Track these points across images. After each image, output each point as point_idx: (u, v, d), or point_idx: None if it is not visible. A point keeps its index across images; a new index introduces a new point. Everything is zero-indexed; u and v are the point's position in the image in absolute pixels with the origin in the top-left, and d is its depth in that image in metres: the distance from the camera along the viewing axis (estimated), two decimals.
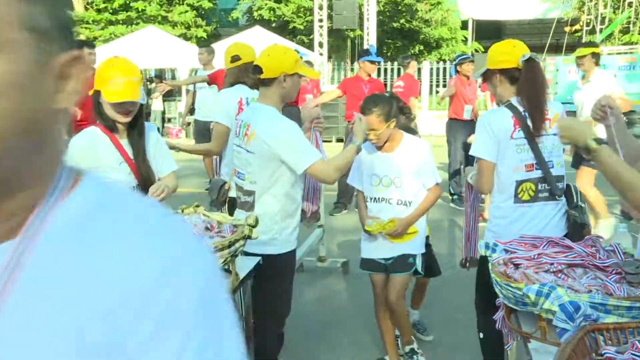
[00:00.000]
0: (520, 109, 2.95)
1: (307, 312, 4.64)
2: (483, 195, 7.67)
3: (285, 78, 3.05)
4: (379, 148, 3.50)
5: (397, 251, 3.53)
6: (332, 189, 8.45)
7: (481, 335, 3.37)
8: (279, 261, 3.14)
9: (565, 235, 2.86)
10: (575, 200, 3.03)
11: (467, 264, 3.50)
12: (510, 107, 2.97)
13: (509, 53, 2.97)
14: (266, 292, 3.16)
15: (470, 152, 3.10)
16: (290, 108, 8.51)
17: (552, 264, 2.32)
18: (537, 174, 2.96)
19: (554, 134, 2.93)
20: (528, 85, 2.93)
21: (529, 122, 2.93)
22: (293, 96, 3.24)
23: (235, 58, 4.01)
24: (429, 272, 4.06)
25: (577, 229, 2.91)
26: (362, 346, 4.12)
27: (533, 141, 2.93)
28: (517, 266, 2.36)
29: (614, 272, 2.26)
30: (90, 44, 7.20)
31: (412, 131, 3.99)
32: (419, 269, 3.58)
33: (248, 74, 3.97)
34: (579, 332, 1.77)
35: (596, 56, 6.72)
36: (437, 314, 4.55)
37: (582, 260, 2.32)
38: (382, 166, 3.50)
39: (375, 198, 3.55)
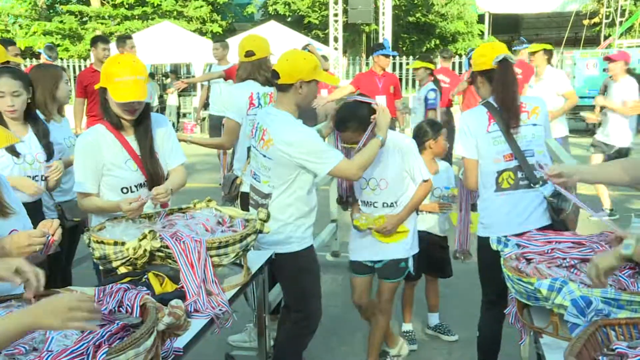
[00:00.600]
0: (496, 105, 3.13)
1: (322, 307, 4.63)
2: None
3: (302, 84, 3.05)
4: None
5: (388, 255, 3.45)
6: None
7: (478, 334, 3.40)
8: (300, 258, 3.18)
9: (550, 225, 3.05)
10: (555, 187, 3.04)
11: (461, 256, 3.68)
12: (486, 104, 3.17)
13: (487, 55, 3.15)
14: (295, 291, 3.23)
15: (455, 152, 3.32)
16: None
17: (564, 258, 2.30)
18: (515, 162, 3.11)
19: (534, 124, 3.16)
20: (499, 84, 3.11)
21: (504, 116, 3.12)
22: (310, 102, 3.24)
23: (249, 53, 3.99)
24: (441, 273, 4.07)
25: (553, 214, 3.07)
26: None
27: (508, 133, 3.10)
28: (529, 261, 2.35)
29: (627, 267, 2.23)
30: (104, 39, 7.23)
31: (436, 125, 4.05)
32: (411, 270, 3.51)
33: (261, 70, 3.97)
34: (591, 327, 1.75)
35: (548, 53, 6.84)
36: (452, 308, 4.53)
37: (596, 255, 2.29)
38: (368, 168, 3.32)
39: (364, 202, 3.49)
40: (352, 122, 3.25)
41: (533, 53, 6.90)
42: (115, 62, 2.84)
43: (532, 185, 3.11)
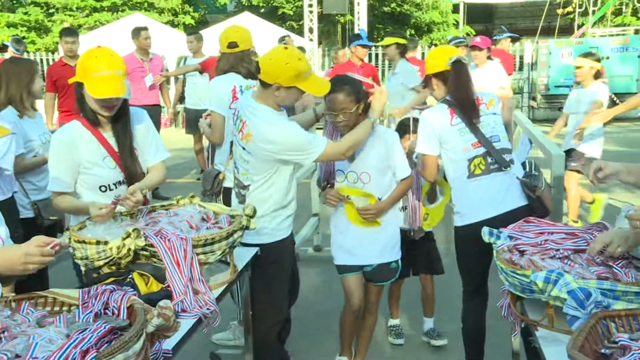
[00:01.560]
0: (454, 101, 3.27)
1: (305, 302, 4.59)
2: None
3: (280, 88, 2.90)
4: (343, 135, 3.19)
5: (377, 259, 3.36)
6: None
7: (462, 325, 3.40)
8: (271, 250, 3.10)
9: (528, 206, 3.17)
10: (528, 169, 3.31)
11: (413, 234, 3.76)
12: (445, 101, 3.29)
13: (439, 58, 3.29)
14: (263, 281, 3.11)
15: (416, 150, 3.37)
16: None
17: (558, 250, 2.28)
18: (483, 149, 3.22)
19: (493, 113, 3.33)
20: (455, 84, 3.25)
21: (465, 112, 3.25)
22: (288, 105, 3.13)
23: (233, 44, 3.88)
24: (432, 270, 3.99)
25: (529, 192, 3.19)
26: None
27: (471, 123, 3.22)
28: (522, 253, 2.32)
29: (621, 258, 2.22)
30: (70, 32, 7.06)
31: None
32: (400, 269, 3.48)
33: (243, 62, 3.88)
34: (591, 320, 1.73)
35: (401, 47, 6.79)
36: (442, 303, 4.51)
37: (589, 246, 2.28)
38: (346, 160, 3.22)
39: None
40: (347, 85, 3.12)
41: (386, 46, 6.82)
42: (92, 56, 2.73)
43: (503, 168, 3.22)
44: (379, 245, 3.34)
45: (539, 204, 3.18)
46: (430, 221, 3.84)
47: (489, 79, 6.63)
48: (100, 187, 2.86)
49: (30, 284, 2.79)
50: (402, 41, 6.96)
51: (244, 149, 3.04)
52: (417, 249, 3.84)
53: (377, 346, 3.94)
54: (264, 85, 2.96)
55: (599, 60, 5.92)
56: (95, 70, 2.68)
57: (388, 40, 6.98)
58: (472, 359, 3.40)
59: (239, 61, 3.89)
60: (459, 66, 3.25)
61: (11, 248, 2.10)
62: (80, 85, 2.76)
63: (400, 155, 3.29)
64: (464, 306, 3.43)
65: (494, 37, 9.48)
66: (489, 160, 3.21)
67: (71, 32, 7.10)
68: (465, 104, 3.25)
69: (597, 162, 2.34)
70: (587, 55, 6.02)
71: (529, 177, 3.24)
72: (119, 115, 2.86)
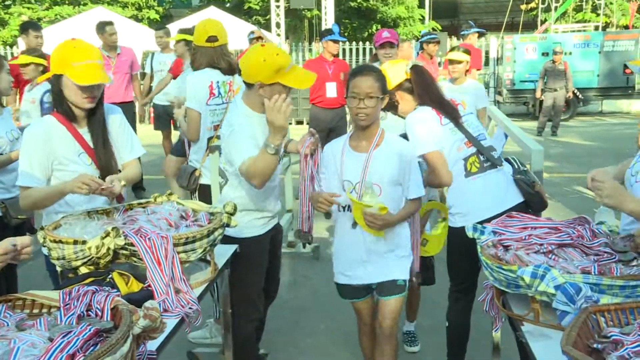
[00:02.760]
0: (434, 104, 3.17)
1: (282, 299, 4.55)
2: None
3: (263, 86, 2.83)
4: (356, 144, 2.88)
5: (383, 276, 2.91)
6: (295, 172, 8.36)
7: (447, 323, 3.38)
8: (246, 244, 3.05)
9: (525, 202, 3.11)
10: (517, 166, 3.25)
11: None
12: (422, 104, 3.18)
13: (392, 69, 3.18)
14: (236, 276, 3.07)
15: (418, 153, 3.06)
16: None
17: (542, 244, 2.29)
18: (474, 148, 3.15)
19: (470, 113, 3.28)
20: (423, 87, 3.17)
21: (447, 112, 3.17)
22: None
23: (213, 38, 3.80)
24: (424, 280, 3.75)
25: (528, 188, 3.12)
26: (340, 331, 4.07)
27: (458, 123, 3.15)
28: (506, 248, 2.33)
29: (604, 251, 2.25)
30: (35, 25, 6.89)
31: None
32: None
33: (224, 56, 3.81)
34: (582, 315, 1.74)
35: (189, 44, 6.28)
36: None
37: (572, 240, 2.30)
38: (356, 169, 2.85)
39: (347, 207, 2.89)
40: (376, 71, 2.85)
41: (177, 42, 6.49)
42: (71, 47, 2.66)
43: (495, 166, 3.16)
44: (386, 262, 2.92)
45: (538, 199, 3.12)
46: (429, 248, 3.42)
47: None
48: None
49: None
50: (189, 38, 5.67)
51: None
52: None
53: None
54: (248, 86, 2.92)
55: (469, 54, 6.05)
56: (77, 59, 2.62)
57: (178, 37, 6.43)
58: (454, 355, 3.39)
59: (220, 55, 3.82)
60: (419, 69, 3.19)
61: None
62: (57, 78, 2.67)
63: (415, 174, 2.90)
64: (451, 305, 3.36)
65: (462, 32, 9.53)
66: (481, 158, 3.14)
67: (37, 26, 6.92)
68: (443, 103, 3.17)
69: (592, 171, 2.32)
70: (463, 50, 6.09)
71: (521, 174, 3.18)
72: (94, 110, 2.79)
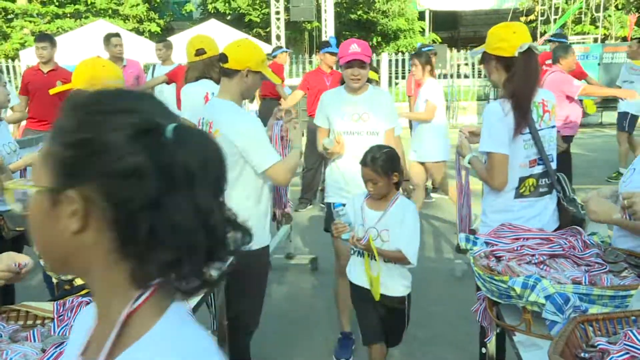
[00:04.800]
0: (512, 99, 2.80)
1: (278, 310, 4.57)
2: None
3: (249, 73, 2.99)
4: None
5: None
6: (295, 185, 8.38)
7: (483, 350, 3.23)
8: (250, 256, 3.05)
9: (558, 227, 2.87)
10: (568, 193, 2.93)
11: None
12: (507, 98, 2.82)
13: (507, 40, 2.80)
14: (240, 288, 3.07)
15: (481, 149, 2.90)
16: (271, 102, 8.38)
17: (533, 255, 2.30)
18: (539, 169, 2.87)
19: (552, 127, 2.92)
20: (520, 78, 2.78)
21: (533, 116, 2.82)
22: (252, 94, 3.22)
23: (200, 51, 3.88)
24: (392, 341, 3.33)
25: (575, 223, 2.71)
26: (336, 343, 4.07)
27: (537, 136, 2.82)
28: (498, 259, 2.34)
29: (595, 262, 2.26)
30: (42, 37, 6.97)
31: None
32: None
33: (214, 68, 3.86)
34: (570, 324, 1.75)
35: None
36: (413, 308, 4.53)
37: (564, 251, 2.31)
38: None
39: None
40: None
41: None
42: (100, 66, 2.81)
43: (551, 191, 2.94)
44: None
45: (580, 224, 2.74)
46: (374, 290, 3.11)
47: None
48: None
49: None
50: None
51: None
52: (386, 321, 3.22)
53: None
54: (230, 74, 3.00)
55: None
56: (107, 78, 2.76)
57: None
58: None
59: (210, 66, 3.89)
60: (529, 56, 2.79)
61: None
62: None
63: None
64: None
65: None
66: (541, 182, 2.88)
67: (42, 37, 6.99)
68: (522, 106, 2.79)
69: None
70: (419, 54, 6.31)
71: (571, 203, 2.89)
72: None
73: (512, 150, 2.81)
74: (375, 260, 3.06)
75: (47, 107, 6.17)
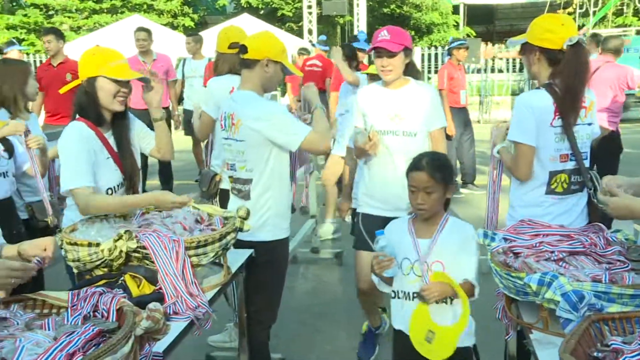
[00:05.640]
0: (560, 94, 2.70)
1: (302, 304, 4.58)
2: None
3: (269, 63, 3.00)
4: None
5: None
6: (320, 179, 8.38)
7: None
8: (270, 250, 3.07)
9: (588, 223, 2.76)
10: (600, 191, 2.65)
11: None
12: (551, 91, 2.72)
13: (555, 32, 2.70)
14: (257, 282, 3.09)
15: (509, 137, 2.83)
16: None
17: (552, 252, 2.26)
18: (571, 165, 2.77)
19: (589, 124, 2.82)
20: (570, 72, 2.68)
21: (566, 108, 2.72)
22: (274, 85, 3.17)
23: (234, 45, 3.85)
24: None
25: (605, 222, 2.56)
26: (359, 338, 4.05)
27: (570, 130, 2.72)
28: (516, 255, 2.30)
29: (617, 260, 2.20)
30: (47, 30, 7.10)
31: None
32: None
33: None
34: (584, 323, 1.71)
35: None
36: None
37: (585, 248, 2.26)
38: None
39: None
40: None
41: None
42: (102, 50, 2.83)
43: (583, 189, 2.82)
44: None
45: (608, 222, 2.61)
46: (436, 347, 2.45)
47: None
48: (107, 190, 2.82)
49: (25, 285, 2.79)
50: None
51: (237, 141, 3.02)
52: None
53: None
54: (251, 65, 3.02)
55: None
56: (112, 59, 2.76)
57: None
58: None
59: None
60: (579, 50, 2.69)
61: None
62: (91, 83, 2.74)
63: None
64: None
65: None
66: (573, 178, 2.78)
67: (46, 31, 7.10)
68: (571, 100, 2.69)
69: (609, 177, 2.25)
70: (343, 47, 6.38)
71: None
72: (123, 115, 2.88)
73: (542, 142, 2.73)
74: (446, 302, 2.47)
75: (59, 101, 6.26)
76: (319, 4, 17.94)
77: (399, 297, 2.60)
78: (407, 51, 3.32)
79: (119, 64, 2.75)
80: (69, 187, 2.66)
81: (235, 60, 3.86)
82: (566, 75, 2.68)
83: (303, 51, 10.95)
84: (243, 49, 3.01)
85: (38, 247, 2.22)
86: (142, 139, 3.05)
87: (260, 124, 2.93)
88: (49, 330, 1.81)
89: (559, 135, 2.73)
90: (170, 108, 8.03)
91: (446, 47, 9.15)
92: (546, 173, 2.77)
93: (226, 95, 3.79)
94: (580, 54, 2.71)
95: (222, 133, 3.17)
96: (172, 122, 8.13)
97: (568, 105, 2.69)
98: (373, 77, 4.22)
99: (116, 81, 2.73)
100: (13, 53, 8.15)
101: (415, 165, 2.56)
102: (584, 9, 19.78)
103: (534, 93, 2.81)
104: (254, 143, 2.98)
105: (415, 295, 2.51)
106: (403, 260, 2.56)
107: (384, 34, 3.28)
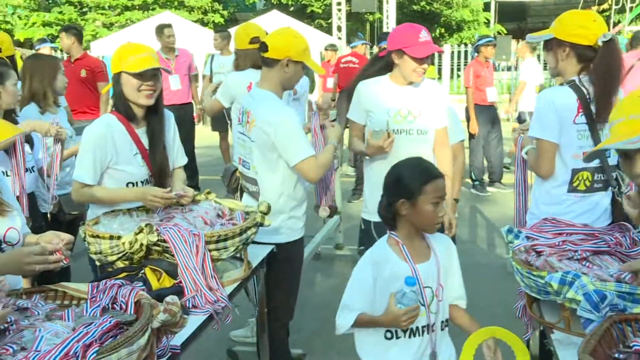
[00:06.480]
0: (584, 90, 2.64)
1: (324, 300, 4.57)
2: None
3: (289, 63, 2.95)
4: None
5: None
6: (350, 176, 8.36)
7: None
8: (285, 250, 3.07)
9: (611, 223, 2.68)
10: (624, 190, 2.69)
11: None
12: (575, 87, 2.66)
13: (587, 28, 2.63)
14: (275, 281, 3.10)
15: (530, 134, 2.79)
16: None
17: (575, 251, 2.21)
18: (595, 163, 2.68)
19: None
20: (604, 69, 2.60)
21: (592, 107, 2.64)
22: (293, 84, 3.13)
23: (255, 40, 3.86)
24: None
25: (629, 221, 2.44)
26: None
27: (594, 128, 2.64)
28: (539, 254, 2.26)
29: None
30: (65, 28, 7.23)
31: None
32: None
33: None
34: (605, 323, 1.68)
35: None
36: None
37: (610, 248, 2.21)
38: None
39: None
40: None
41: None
42: (125, 47, 2.82)
43: (607, 188, 2.73)
44: None
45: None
46: None
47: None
48: (127, 184, 2.84)
49: (51, 276, 2.84)
50: None
51: (250, 140, 3.03)
52: None
53: None
54: (271, 64, 2.98)
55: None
56: (132, 54, 2.75)
57: None
58: None
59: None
60: (613, 47, 2.61)
61: (18, 250, 2.11)
62: (117, 77, 2.77)
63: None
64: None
65: (351, 45, 9.87)
66: (596, 177, 2.70)
67: (61, 29, 7.27)
68: (603, 98, 2.60)
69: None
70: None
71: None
72: (155, 110, 2.86)
73: (564, 140, 2.67)
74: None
75: (75, 97, 6.38)
76: (348, 1, 17.87)
77: (397, 337, 2.22)
78: None
79: (139, 57, 2.72)
80: (73, 177, 2.83)
81: (257, 55, 3.86)
82: (599, 72, 2.61)
83: (331, 47, 10.92)
84: (264, 46, 2.98)
85: (57, 238, 2.23)
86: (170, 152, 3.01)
87: (271, 129, 2.90)
88: (68, 321, 1.84)
89: (582, 132, 2.66)
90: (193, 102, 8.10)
91: (474, 45, 9.05)
92: (568, 170, 2.70)
93: (243, 90, 3.81)
94: (614, 50, 2.63)
95: (238, 127, 3.17)
96: (195, 116, 8.20)
97: (601, 103, 2.60)
98: None
99: (138, 75, 2.72)
100: (45, 50, 8.30)
101: (433, 173, 2.20)
102: (620, 5, 19.37)
103: (557, 89, 2.75)
104: (263, 146, 2.97)
105: (424, 328, 2.21)
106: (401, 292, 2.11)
107: (424, 35, 3.04)
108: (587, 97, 2.63)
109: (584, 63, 2.66)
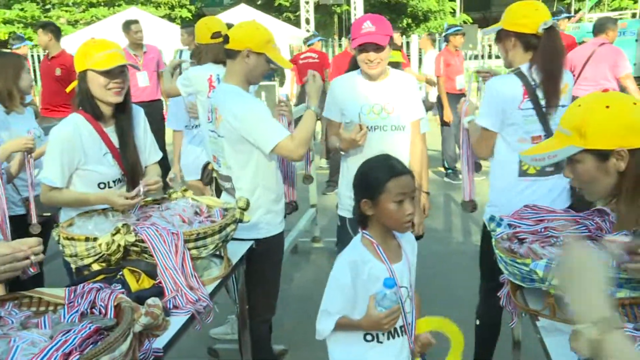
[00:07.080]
0: (529, 78, 2.74)
1: (304, 294, 4.56)
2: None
3: (250, 54, 2.87)
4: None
5: None
6: (323, 168, 8.34)
7: (477, 322, 3.25)
8: (265, 245, 3.03)
9: (569, 207, 2.77)
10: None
11: (471, 208, 3.30)
12: (520, 75, 2.76)
13: (529, 17, 2.73)
14: (255, 277, 3.05)
15: (477, 121, 2.91)
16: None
17: (558, 237, 2.21)
18: None
19: (562, 106, 2.77)
20: (546, 55, 2.71)
21: (539, 93, 2.73)
22: (258, 78, 3.01)
23: (217, 35, 3.81)
24: None
25: (584, 202, 2.47)
26: None
27: (541, 112, 2.74)
28: (521, 241, 2.26)
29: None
30: (41, 24, 7.12)
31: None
32: None
33: None
34: None
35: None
36: (440, 291, 4.46)
37: (591, 233, 2.22)
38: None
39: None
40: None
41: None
42: (91, 43, 2.73)
43: (559, 171, 2.74)
44: None
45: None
46: None
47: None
48: (99, 184, 2.79)
49: (24, 282, 2.75)
50: None
51: (219, 135, 2.96)
52: None
53: None
54: (232, 55, 2.91)
55: None
56: (98, 50, 2.68)
57: None
58: (483, 354, 3.22)
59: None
60: (554, 34, 2.72)
61: None
62: (83, 75, 2.70)
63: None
64: (482, 303, 3.20)
65: (554, 18, 9.59)
66: None
67: (38, 25, 7.20)
68: (549, 84, 2.72)
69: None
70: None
71: None
72: (123, 109, 2.81)
73: (509, 124, 2.79)
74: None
75: (51, 94, 6.28)
76: None
77: (378, 341, 2.18)
78: (391, 40, 3.04)
79: (106, 54, 2.66)
80: (40, 179, 2.80)
81: (218, 50, 3.82)
82: (543, 59, 2.72)
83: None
84: (226, 38, 2.92)
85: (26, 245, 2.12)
86: (142, 150, 2.97)
87: (238, 122, 2.83)
88: (45, 328, 1.77)
89: (528, 117, 2.75)
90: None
91: (442, 34, 9.08)
92: (515, 154, 2.79)
93: (204, 83, 3.76)
94: (555, 37, 2.74)
95: (208, 125, 3.10)
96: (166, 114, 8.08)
97: (548, 88, 2.72)
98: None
99: (105, 72, 2.65)
100: (23, 50, 8.18)
101: (398, 169, 2.09)
102: None
103: (503, 78, 2.87)
104: (233, 140, 2.90)
105: (402, 329, 2.19)
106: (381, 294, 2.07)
107: (368, 26, 2.95)
108: (533, 83, 2.74)
109: (531, 51, 2.76)
